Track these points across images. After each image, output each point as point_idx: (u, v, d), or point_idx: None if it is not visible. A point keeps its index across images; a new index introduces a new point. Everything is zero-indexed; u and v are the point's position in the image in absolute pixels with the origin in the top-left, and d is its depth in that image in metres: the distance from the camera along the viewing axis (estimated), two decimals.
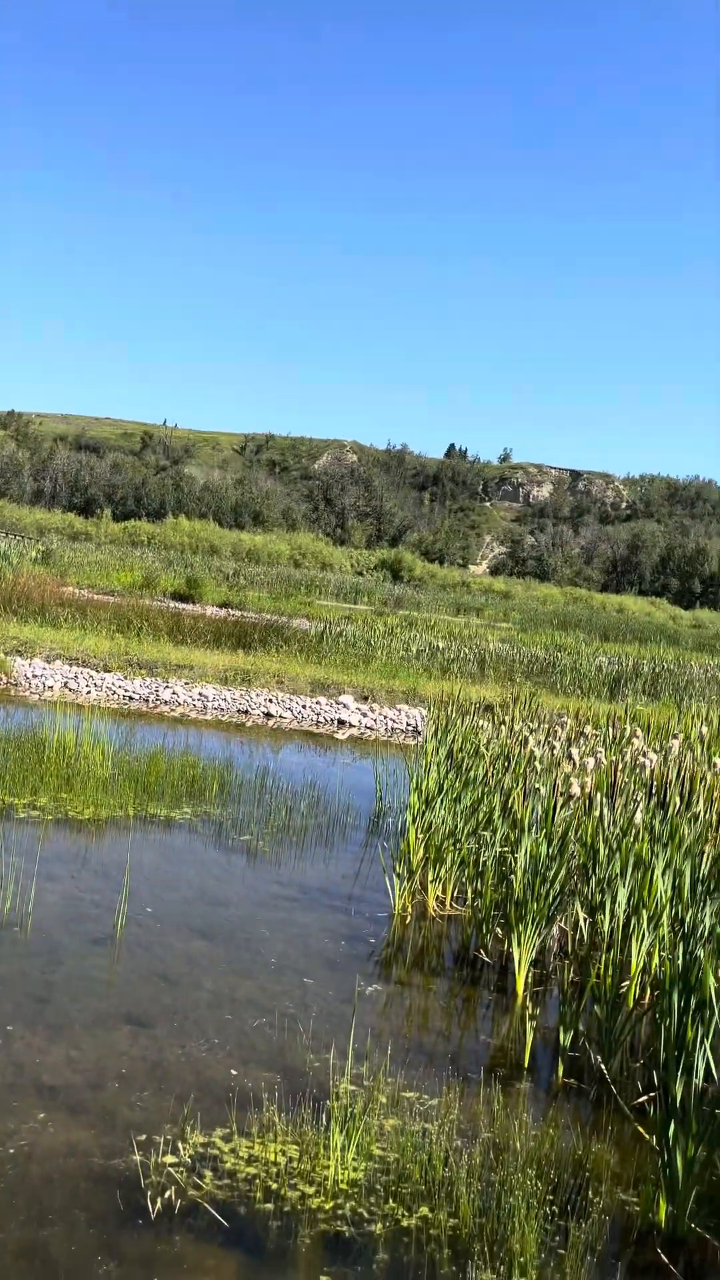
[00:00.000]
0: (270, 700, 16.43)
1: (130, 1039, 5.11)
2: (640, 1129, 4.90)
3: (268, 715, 15.78)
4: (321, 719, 16.12)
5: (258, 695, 16.60)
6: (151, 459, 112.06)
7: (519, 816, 7.44)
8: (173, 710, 15.13)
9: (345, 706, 16.81)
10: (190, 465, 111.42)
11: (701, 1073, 4.43)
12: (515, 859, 6.81)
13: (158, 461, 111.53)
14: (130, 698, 15.48)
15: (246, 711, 15.78)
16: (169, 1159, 4.14)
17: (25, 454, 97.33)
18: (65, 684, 15.67)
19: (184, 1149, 4.22)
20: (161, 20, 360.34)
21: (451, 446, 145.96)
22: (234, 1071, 4.93)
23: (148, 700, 15.48)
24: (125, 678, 16.50)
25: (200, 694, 16.05)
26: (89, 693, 15.42)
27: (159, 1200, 3.87)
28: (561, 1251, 3.90)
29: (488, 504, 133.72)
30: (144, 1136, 4.28)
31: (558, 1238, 3.98)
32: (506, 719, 11.93)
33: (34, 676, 15.75)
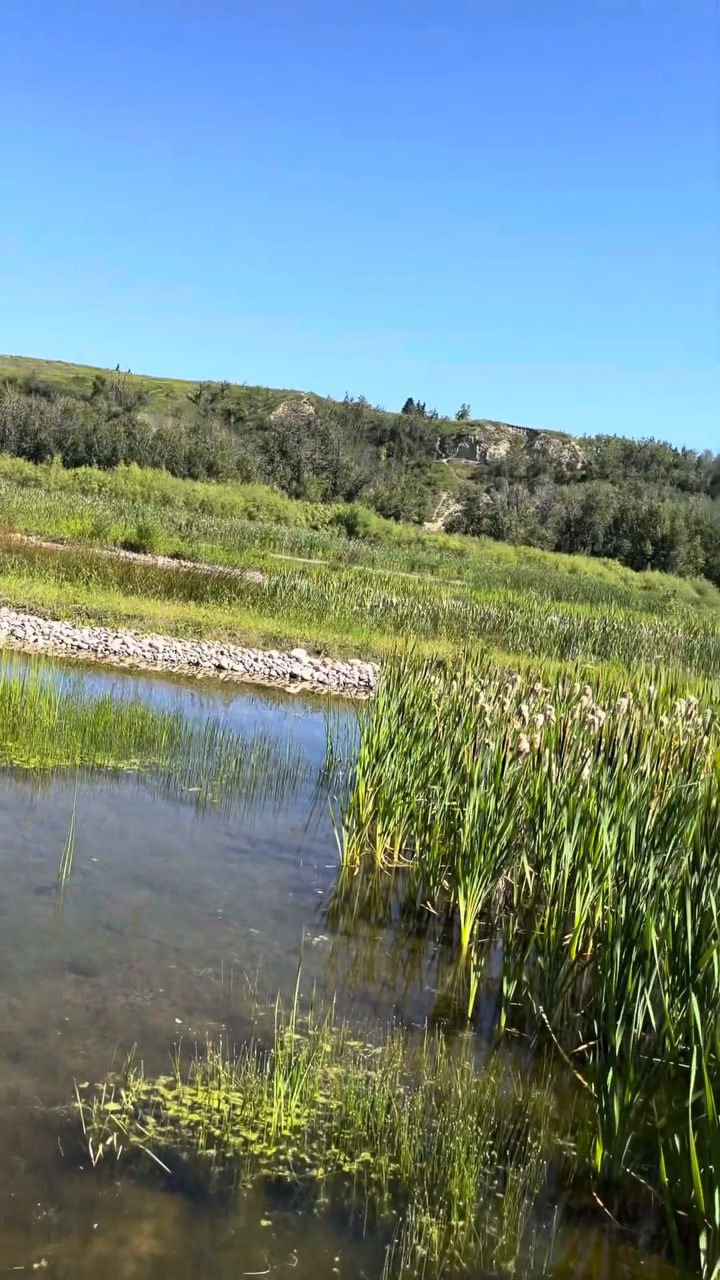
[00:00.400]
0: (222, 653, 16.31)
1: (74, 988, 5.08)
2: (579, 1077, 5.00)
3: (219, 668, 15.67)
4: (273, 672, 16.05)
5: (209, 647, 16.47)
6: (104, 405, 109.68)
7: (468, 771, 7.48)
8: (122, 661, 14.95)
9: (298, 660, 16.75)
10: (143, 412, 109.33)
11: (640, 1022, 4.52)
12: (463, 813, 6.85)
13: (110, 408, 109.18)
14: (78, 647, 15.26)
15: (197, 663, 15.65)
16: (111, 1106, 4.13)
17: None
18: (11, 632, 15.39)
19: (126, 1096, 4.21)
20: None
21: (410, 401, 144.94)
22: (178, 1020, 4.92)
23: (96, 650, 15.27)
24: (73, 626, 16.25)
25: (150, 645, 15.87)
26: (36, 641, 15.16)
27: (100, 1147, 3.86)
28: (500, 1195, 3.97)
29: (444, 461, 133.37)
30: (86, 1084, 4.26)
31: (496, 1181, 4.06)
32: (458, 675, 11.96)
33: None
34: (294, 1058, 4.56)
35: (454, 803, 7.37)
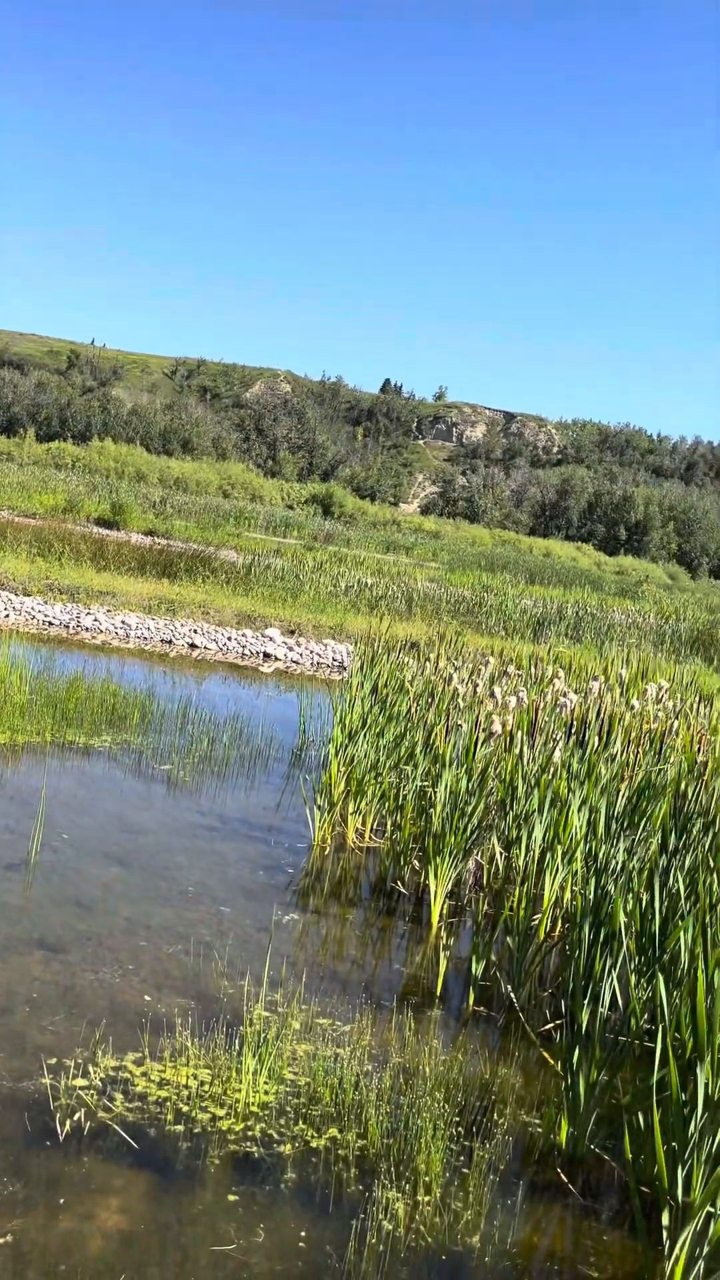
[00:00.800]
0: (195, 631, 16.23)
1: (42, 964, 5.05)
2: (545, 1055, 5.05)
3: (192, 646, 15.59)
4: (247, 651, 16.00)
5: (182, 625, 16.38)
6: (78, 379, 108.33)
7: (440, 752, 7.50)
8: (94, 637, 14.84)
9: (271, 640, 16.70)
10: (118, 387, 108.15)
11: (607, 1002, 4.56)
12: (435, 793, 6.87)
13: (84, 382, 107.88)
14: (50, 623, 15.12)
15: (170, 641, 15.57)
16: (79, 1082, 4.12)
17: None
18: None
19: (94, 1072, 4.20)
20: None
21: (387, 382, 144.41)
22: (148, 997, 4.91)
23: (68, 626, 15.15)
24: (45, 602, 16.10)
25: (123, 622, 15.76)
26: (6, 616, 15.01)
27: (68, 1122, 3.86)
28: (465, 1170, 4.01)
29: (421, 442, 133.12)
30: (54, 1060, 4.24)
31: (462, 1157, 4.09)
32: (432, 657, 11.98)
33: None
34: (263, 1035, 4.57)
35: (426, 783, 7.39)
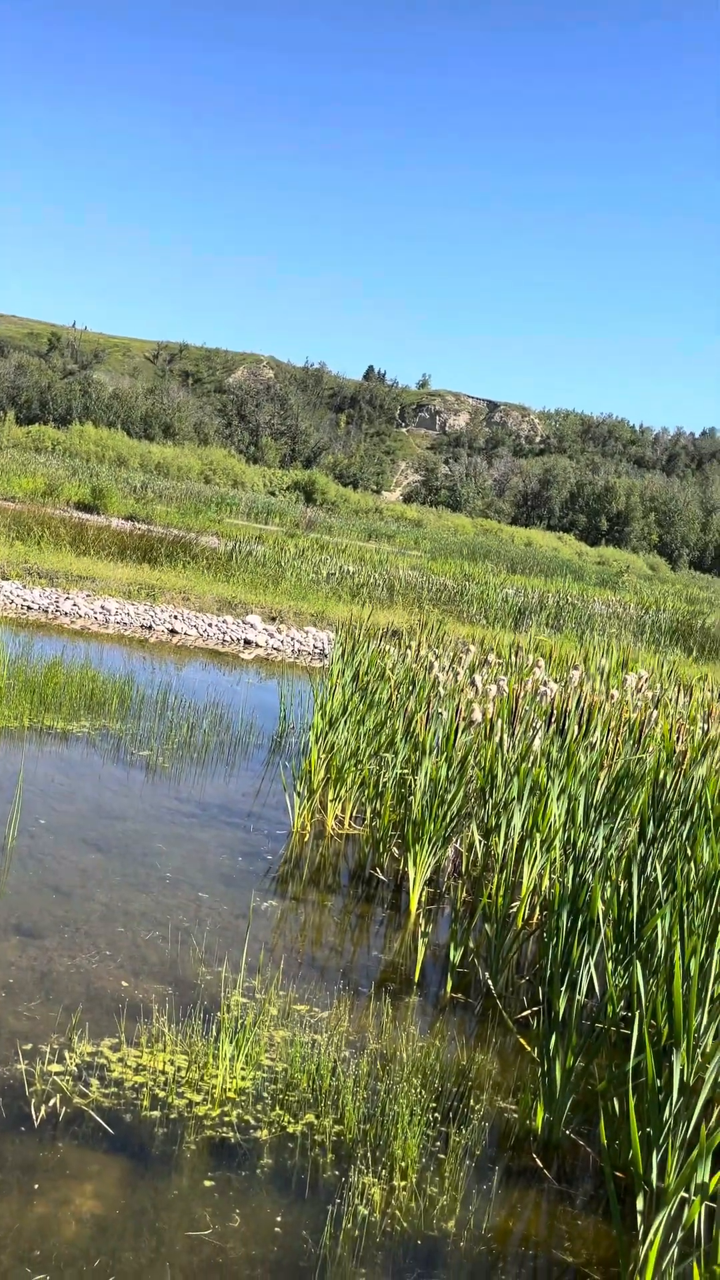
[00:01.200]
0: (175, 617, 16.15)
1: (19, 950, 5.02)
2: (522, 1041, 5.07)
3: (172, 632, 15.52)
4: (227, 638, 15.95)
5: (162, 611, 16.30)
6: (59, 362, 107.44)
7: (421, 740, 7.50)
8: (73, 622, 14.75)
9: (252, 626, 16.65)
10: (99, 371, 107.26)
11: (584, 989, 4.58)
12: (415, 781, 6.87)
13: (65, 365, 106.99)
14: (29, 607, 15.01)
15: (150, 627, 15.49)
16: (55, 1068, 4.10)
17: None
18: None
19: (70, 1058, 4.18)
20: None
21: (370, 369, 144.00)
22: (125, 983, 4.89)
23: (47, 611, 15.04)
24: (24, 586, 15.97)
25: (102, 607, 15.66)
26: None
27: (43, 1108, 3.84)
28: (441, 1156, 4.02)
29: (404, 430, 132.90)
30: (30, 1045, 4.22)
31: (439, 1143, 4.11)
32: (413, 645, 11.97)
33: None
34: (240, 1021, 4.57)
35: (405, 771, 7.39)
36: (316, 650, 16.28)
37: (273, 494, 68.57)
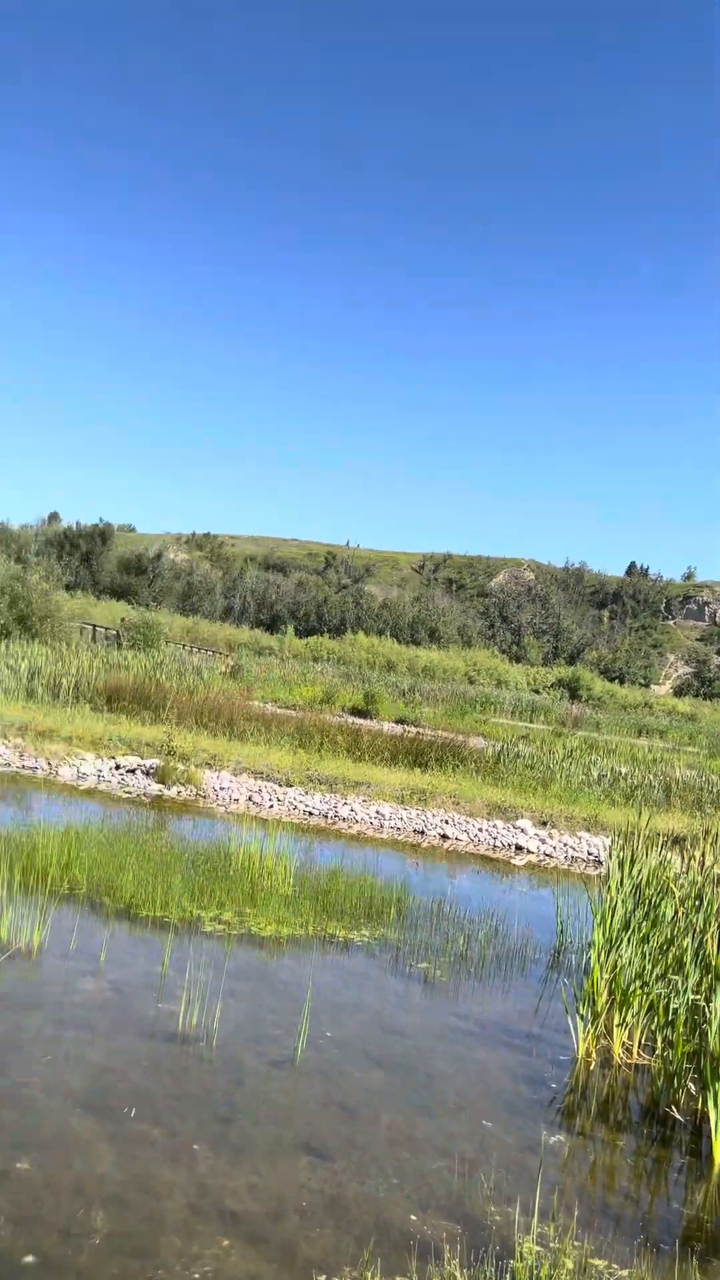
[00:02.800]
0: (446, 821, 16.33)
1: (309, 1170, 5.09)
2: None
3: (443, 836, 15.67)
4: (498, 843, 15.85)
5: (433, 815, 16.55)
6: (334, 577, 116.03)
7: (713, 962, 7.05)
8: (350, 827, 15.29)
9: (523, 831, 16.48)
10: (370, 583, 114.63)
11: None
12: (710, 1009, 6.43)
13: (339, 580, 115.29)
14: (310, 813, 15.77)
15: (422, 831, 15.74)
16: None
17: (218, 573, 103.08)
18: (250, 797, 16.16)
19: None
20: None
21: (632, 564, 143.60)
22: (413, 1216, 4.80)
23: (326, 816, 15.71)
24: (306, 793, 16.84)
25: (377, 812, 16.15)
26: (271, 807, 15.82)
27: None
28: None
29: (671, 622, 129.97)
30: (324, 1277, 4.22)
31: None
32: (697, 854, 11.37)
33: (220, 789, 16.34)
34: (535, 1272, 4.34)
35: (698, 996, 6.93)
36: (591, 857, 15.77)
37: (536, 691, 68.63)
